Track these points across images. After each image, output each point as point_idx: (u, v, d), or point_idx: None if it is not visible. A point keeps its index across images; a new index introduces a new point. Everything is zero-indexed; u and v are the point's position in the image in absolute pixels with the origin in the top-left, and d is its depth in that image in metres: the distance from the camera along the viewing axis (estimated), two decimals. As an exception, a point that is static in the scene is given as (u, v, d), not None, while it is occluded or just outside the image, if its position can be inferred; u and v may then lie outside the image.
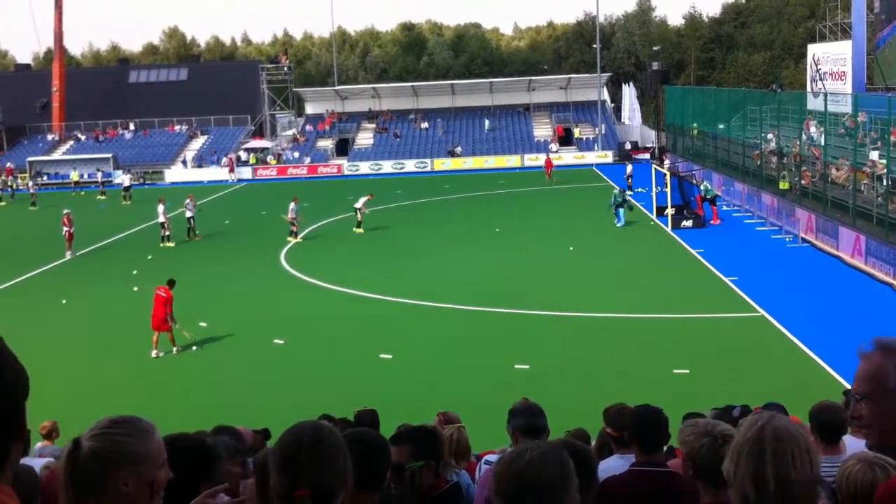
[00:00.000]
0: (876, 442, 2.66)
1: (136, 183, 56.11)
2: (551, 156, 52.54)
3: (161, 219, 34.35)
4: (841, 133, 35.39)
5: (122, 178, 52.20)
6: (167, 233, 34.52)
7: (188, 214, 35.40)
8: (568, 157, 61.32)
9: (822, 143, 32.83)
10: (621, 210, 34.15)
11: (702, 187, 35.48)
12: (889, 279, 22.89)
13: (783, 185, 34.08)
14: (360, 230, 35.38)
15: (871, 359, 2.73)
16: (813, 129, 35.12)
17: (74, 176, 59.01)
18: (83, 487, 2.45)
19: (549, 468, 2.47)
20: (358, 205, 35.91)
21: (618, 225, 33.87)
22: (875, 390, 2.67)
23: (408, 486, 4.31)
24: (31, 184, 53.24)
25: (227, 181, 59.59)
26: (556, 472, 2.47)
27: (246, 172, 61.71)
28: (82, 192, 55.34)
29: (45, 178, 62.00)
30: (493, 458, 5.88)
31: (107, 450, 2.49)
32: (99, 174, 56.33)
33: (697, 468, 3.55)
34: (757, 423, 2.43)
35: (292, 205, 34.45)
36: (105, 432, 2.53)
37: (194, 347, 20.09)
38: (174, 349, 19.84)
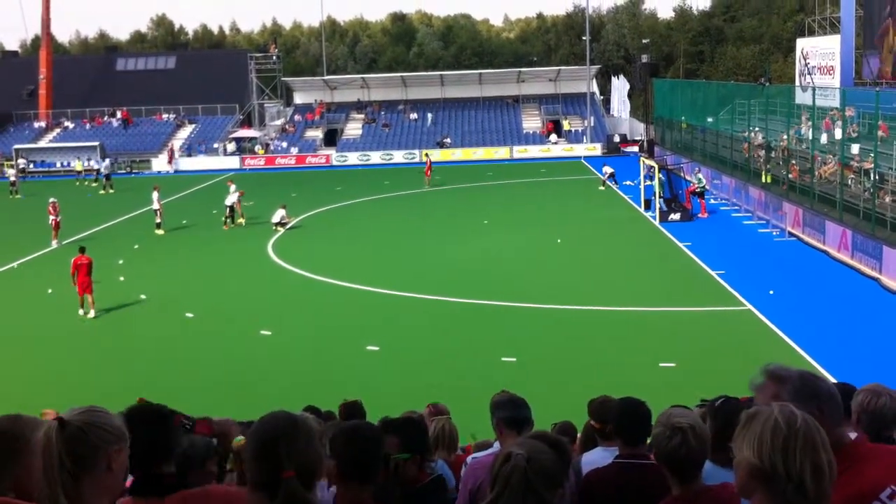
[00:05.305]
0: None
1: (122, 172, 55.81)
2: (430, 157, 50.67)
3: (155, 206, 34.84)
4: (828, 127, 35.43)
5: (101, 166, 51.77)
6: (159, 220, 34.71)
7: (229, 202, 35.56)
8: (557, 149, 61.41)
9: (811, 138, 32.90)
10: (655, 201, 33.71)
11: (695, 178, 35.51)
12: (875, 273, 22.98)
13: (765, 178, 34.20)
14: (228, 227, 35.09)
15: (764, 390, 2.67)
16: (803, 128, 35.16)
17: (78, 165, 58.24)
18: (78, 462, 2.42)
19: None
20: (229, 201, 35.68)
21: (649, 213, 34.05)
22: None
23: (389, 476, 4.31)
24: (11, 171, 52.21)
25: (167, 172, 59.51)
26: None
27: (233, 162, 61.53)
28: (76, 182, 54.54)
29: (31, 165, 61.47)
30: (480, 455, 5.86)
31: (98, 423, 2.48)
32: (91, 162, 56.19)
33: (659, 458, 3.57)
34: (795, 415, 2.35)
35: (233, 187, 36.02)
36: (88, 410, 2.52)
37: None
38: (91, 312, 21.94)
